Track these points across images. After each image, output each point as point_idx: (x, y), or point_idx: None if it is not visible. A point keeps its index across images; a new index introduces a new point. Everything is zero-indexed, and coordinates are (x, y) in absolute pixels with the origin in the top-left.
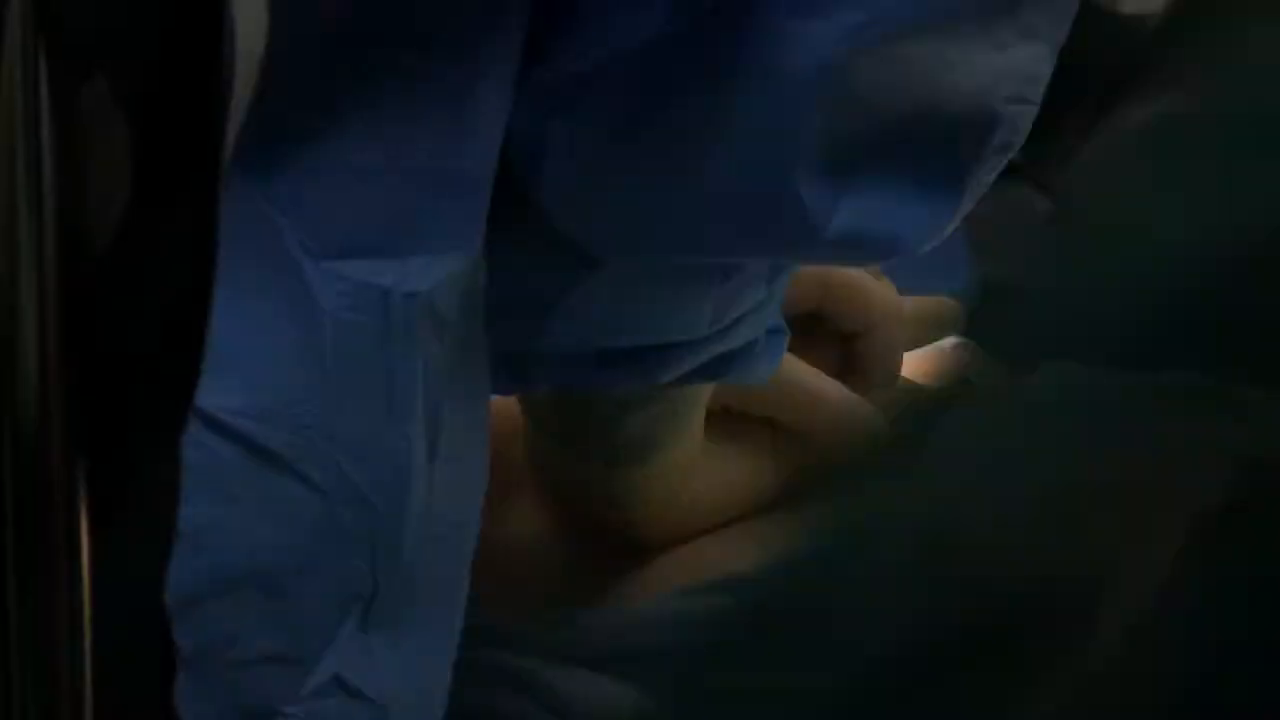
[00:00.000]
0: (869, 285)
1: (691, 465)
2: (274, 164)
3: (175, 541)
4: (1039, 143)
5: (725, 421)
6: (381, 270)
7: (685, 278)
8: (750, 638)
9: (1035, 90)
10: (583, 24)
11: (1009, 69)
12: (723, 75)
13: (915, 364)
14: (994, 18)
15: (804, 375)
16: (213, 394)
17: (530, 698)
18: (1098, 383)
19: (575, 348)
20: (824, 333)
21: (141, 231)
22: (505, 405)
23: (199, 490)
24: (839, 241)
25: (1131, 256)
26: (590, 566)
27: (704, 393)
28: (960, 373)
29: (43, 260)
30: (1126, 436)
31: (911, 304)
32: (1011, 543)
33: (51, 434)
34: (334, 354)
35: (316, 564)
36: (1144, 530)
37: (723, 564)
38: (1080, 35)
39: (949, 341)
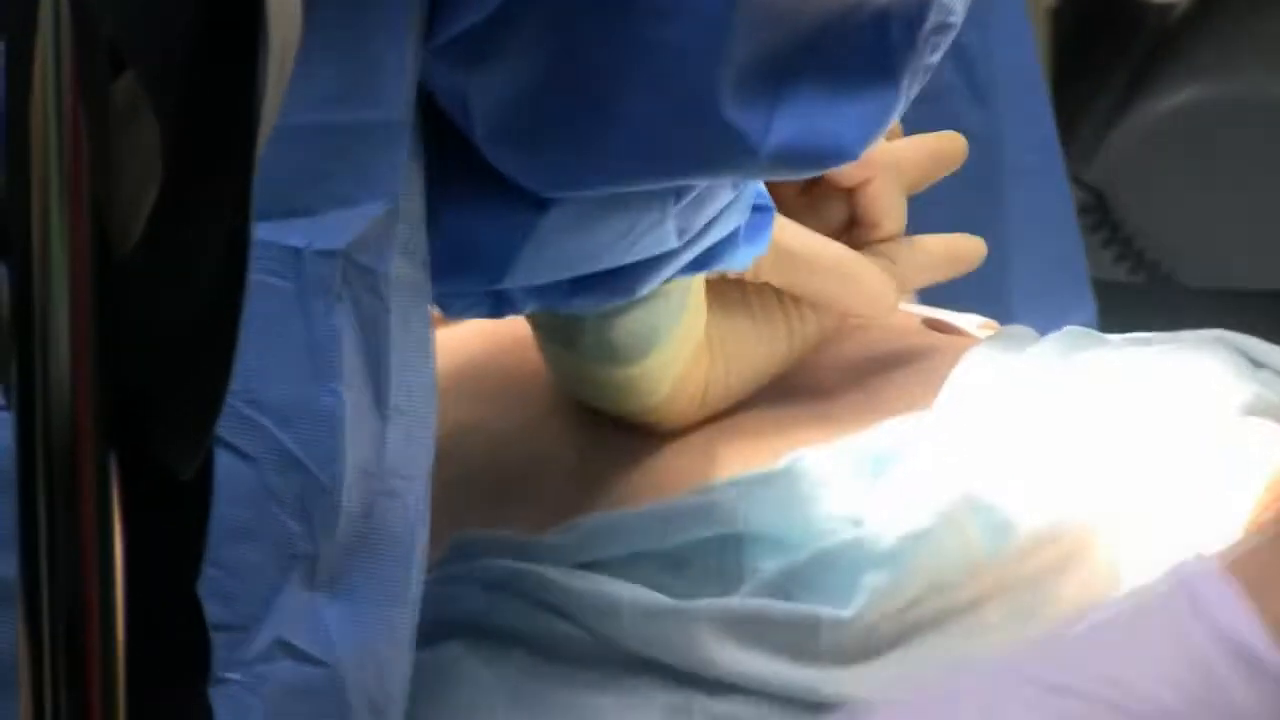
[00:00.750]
0: None
1: (698, 346)
2: None
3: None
4: (1067, 133)
5: (733, 290)
6: (291, 230)
7: (639, 205)
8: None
9: None
10: None
11: None
12: (631, 7)
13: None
14: None
15: (799, 240)
16: None
17: (532, 599)
18: None
19: (546, 279)
20: (824, 191)
21: (173, 225)
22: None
23: None
24: (779, 156)
25: None
26: (607, 470)
27: (697, 279)
28: None
29: (75, 255)
30: None
31: (933, 242)
32: None
33: (83, 427)
34: (251, 319)
35: (250, 530)
36: None
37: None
38: (1108, 24)
39: (973, 319)
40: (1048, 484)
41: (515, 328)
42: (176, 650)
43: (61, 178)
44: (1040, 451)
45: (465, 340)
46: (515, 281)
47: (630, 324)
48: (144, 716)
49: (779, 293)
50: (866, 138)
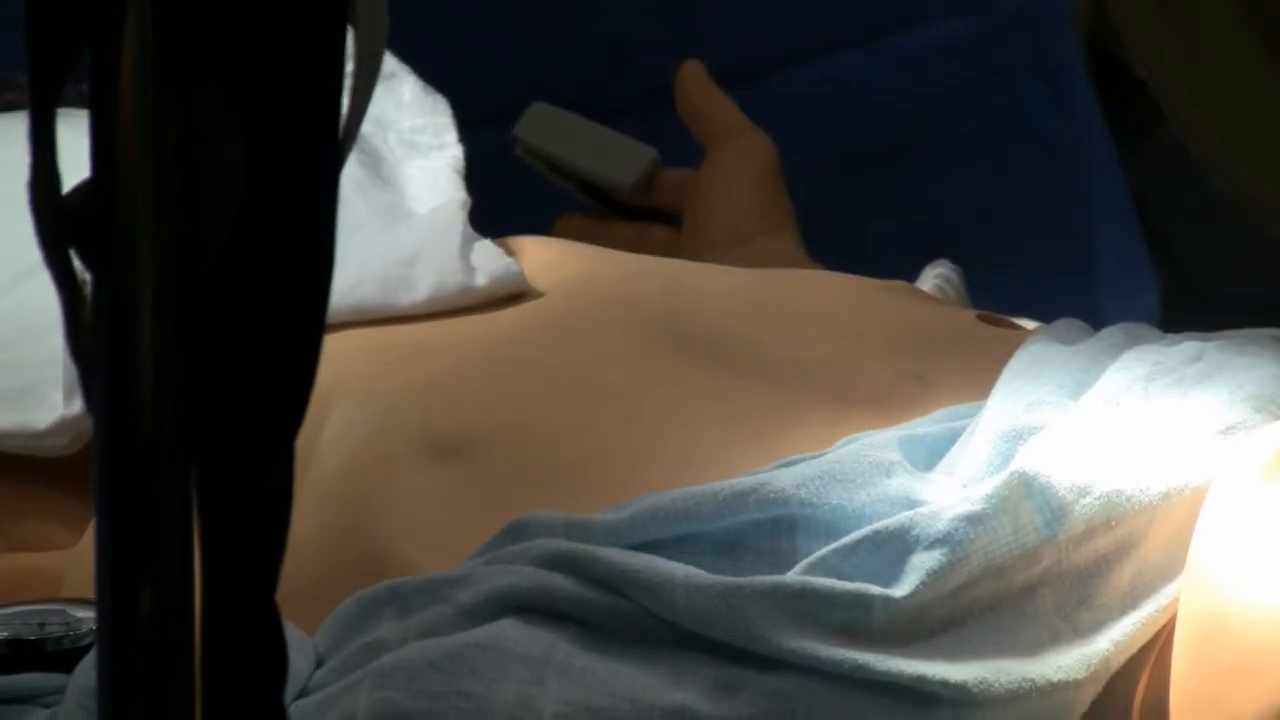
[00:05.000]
0: None
1: None
2: None
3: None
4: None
5: None
6: None
7: None
8: None
9: None
10: None
11: None
12: None
13: None
14: None
15: None
16: None
17: (584, 576)
18: None
19: None
20: None
21: (256, 235)
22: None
23: None
24: None
25: None
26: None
27: None
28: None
29: (158, 264)
30: None
31: None
32: None
33: (165, 438)
34: None
35: None
36: None
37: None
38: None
39: (934, 268)
40: (1104, 470)
41: (557, 316)
42: (253, 660)
43: (146, 188)
44: (1097, 438)
45: (508, 336)
46: None
47: None
48: None
49: None
50: None
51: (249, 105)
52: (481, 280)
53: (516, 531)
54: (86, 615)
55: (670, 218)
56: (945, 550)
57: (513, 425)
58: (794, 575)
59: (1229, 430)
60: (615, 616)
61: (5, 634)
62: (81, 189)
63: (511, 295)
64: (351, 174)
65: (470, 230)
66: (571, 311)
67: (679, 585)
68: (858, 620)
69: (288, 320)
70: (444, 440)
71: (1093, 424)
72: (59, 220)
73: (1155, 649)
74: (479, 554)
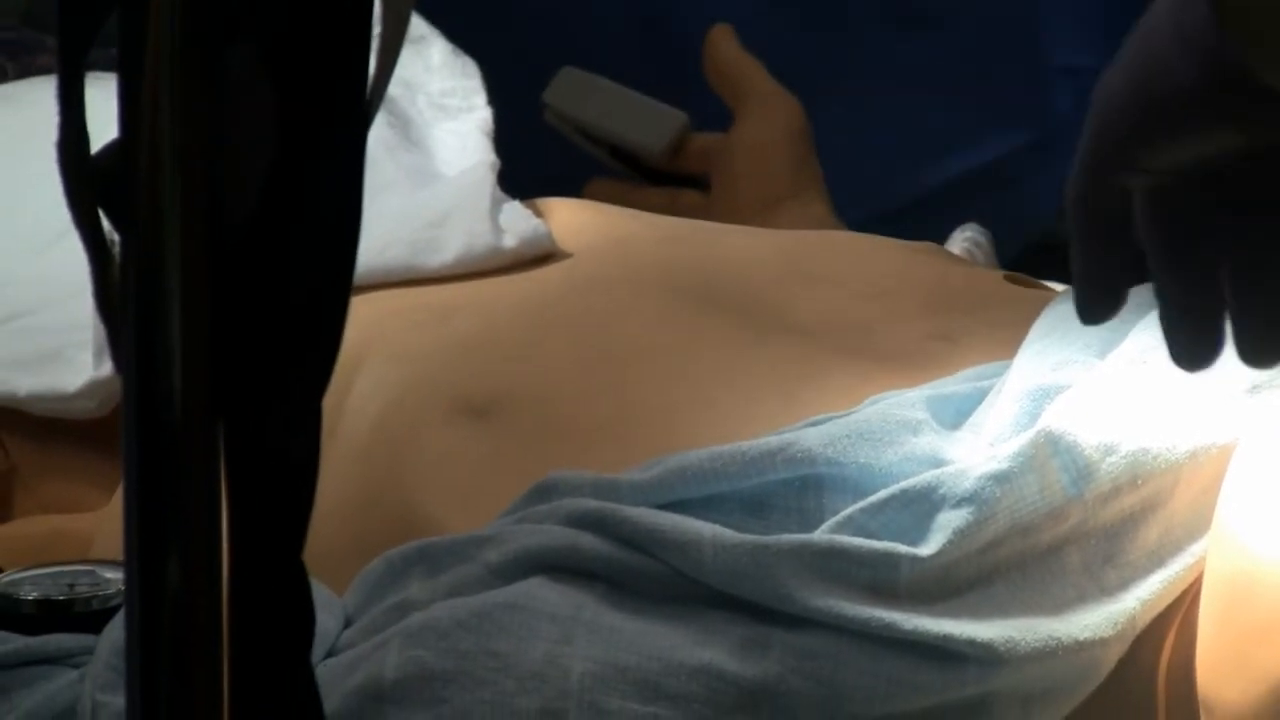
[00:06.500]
0: None
1: None
2: None
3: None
4: None
5: None
6: None
7: None
8: None
9: None
10: None
11: None
12: None
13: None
14: None
15: None
16: None
17: (612, 535)
18: None
19: None
20: None
21: (285, 197)
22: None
23: None
24: None
25: None
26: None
27: None
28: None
29: (187, 226)
30: None
31: None
32: None
33: (193, 398)
34: None
35: None
36: None
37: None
38: None
39: (963, 231)
40: (1130, 429)
41: (586, 277)
42: (280, 620)
43: (175, 149)
44: (1123, 396)
45: (537, 297)
46: None
47: None
48: (247, 689)
49: None
50: None
51: (277, 63)
52: (510, 242)
53: (545, 491)
54: (115, 576)
55: (700, 182)
56: (972, 509)
57: (541, 385)
58: (821, 534)
59: (1256, 389)
60: (643, 575)
61: (35, 595)
62: (110, 149)
63: (540, 256)
64: (380, 136)
65: (499, 192)
66: (600, 272)
67: (707, 544)
68: (885, 579)
69: (315, 281)
70: (473, 401)
71: (1119, 382)
72: (88, 181)
73: (1182, 608)
74: (507, 514)
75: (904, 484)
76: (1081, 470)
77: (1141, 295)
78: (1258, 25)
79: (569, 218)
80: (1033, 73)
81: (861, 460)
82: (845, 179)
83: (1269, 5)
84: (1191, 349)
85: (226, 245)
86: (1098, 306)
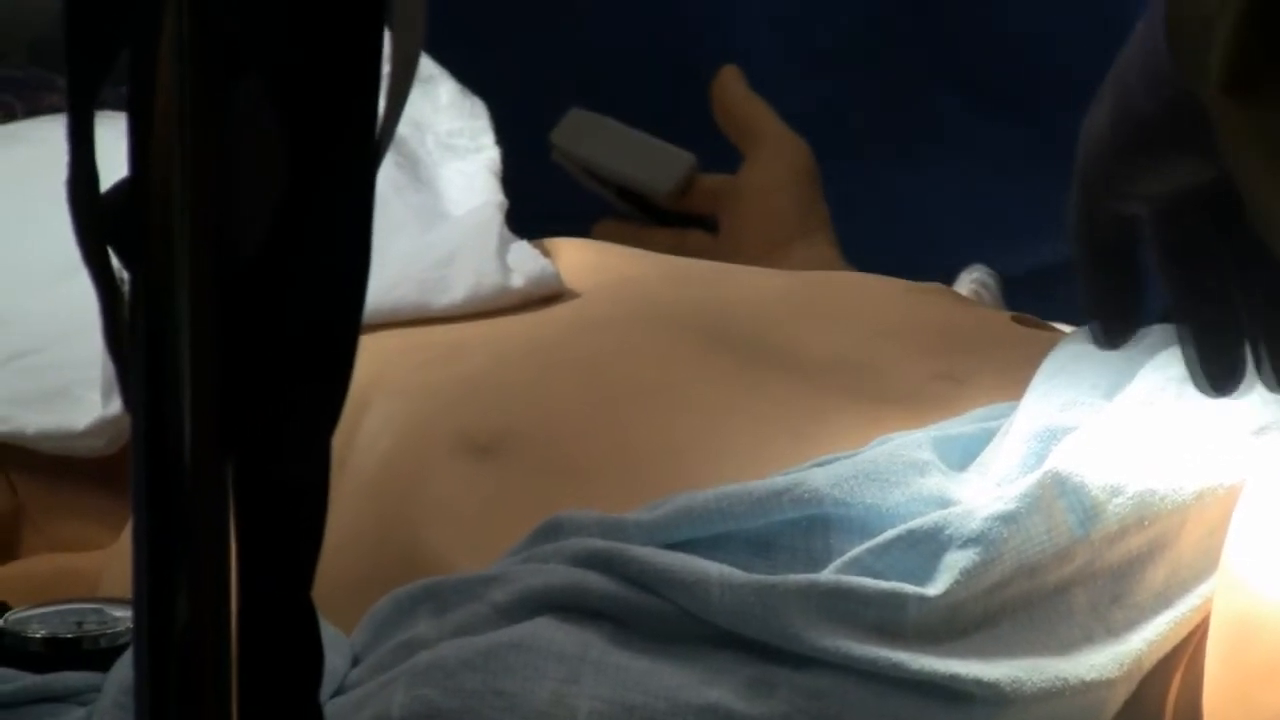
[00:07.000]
0: None
1: None
2: None
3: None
4: None
5: None
6: None
7: None
8: None
9: None
10: None
11: None
12: None
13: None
14: None
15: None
16: None
17: (619, 575)
18: None
19: None
20: None
21: (293, 228)
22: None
23: None
24: None
25: None
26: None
27: None
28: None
29: (195, 258)
30: None
31: None
32: None
33: (202, 436)
34: None
35: None
36: None
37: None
38: None
39: (971, 272)
40: (1137, 470)
41: (593, 316)
42: (289, 658)
43: (183, 185)
44: (1130, 438)
45: (544, 336)
46: None
47: None
48: None
49: None
50: None
51: (286, 101)
52: (518, 281)
53: (551, 530)
54: (123, 615)
55: (708, 223)
56: (979, 549)
57: (548, 424)
58: (828, 574)
59: (1262, 430)
60: (650, 615)
61: (43, 633)
62: (119, 187)
63: (548, 296)
64: (389, 176)
65: (507, 231)
66: (608, 312)
67: (714, 584)
68: (891, 619)
69: (324, 318)
70: (480, 439)
71: (1126, 424)
72: (97, 218)
73: (1189, 649)
74: (514, 553)
75: (911, 524)
76: (1088, 511)
77: (1152, 337)
78: (1203, 57)
79: (577, 257)
80: None
81: (868, 501)
82: (911, 252)
83: (1209, 37)
84: (1210, 371)
85: (236, 282)
86: (1110, 333)
